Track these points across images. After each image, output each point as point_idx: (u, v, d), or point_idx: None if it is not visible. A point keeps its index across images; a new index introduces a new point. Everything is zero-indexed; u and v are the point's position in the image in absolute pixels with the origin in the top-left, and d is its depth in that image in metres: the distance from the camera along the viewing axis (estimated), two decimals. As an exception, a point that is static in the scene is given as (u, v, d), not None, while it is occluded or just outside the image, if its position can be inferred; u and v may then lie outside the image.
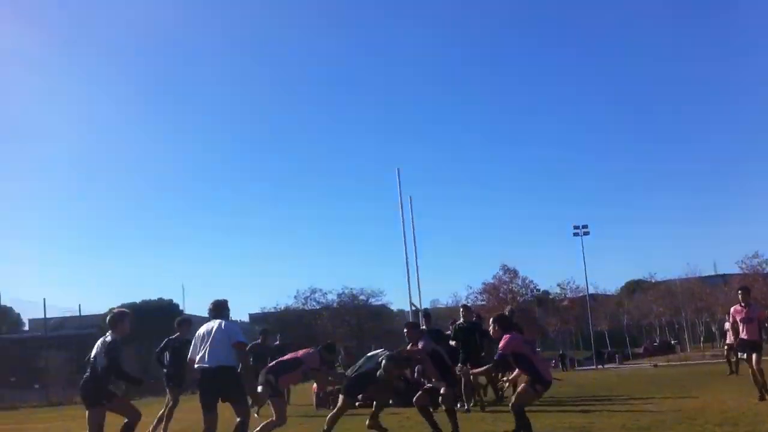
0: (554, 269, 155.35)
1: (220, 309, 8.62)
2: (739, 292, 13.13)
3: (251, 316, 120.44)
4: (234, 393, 8.21)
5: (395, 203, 34.78)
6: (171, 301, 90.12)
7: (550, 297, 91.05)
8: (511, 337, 8.79)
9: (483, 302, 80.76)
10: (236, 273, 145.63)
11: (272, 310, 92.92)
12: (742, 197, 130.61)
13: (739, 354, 13.58)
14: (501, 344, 8.78)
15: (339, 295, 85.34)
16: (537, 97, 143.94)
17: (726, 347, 24.51)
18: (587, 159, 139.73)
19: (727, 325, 23.85)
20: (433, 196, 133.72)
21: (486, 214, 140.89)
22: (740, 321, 12.70)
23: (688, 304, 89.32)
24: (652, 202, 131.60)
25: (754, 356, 12.24)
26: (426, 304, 56.21)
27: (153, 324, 78.95)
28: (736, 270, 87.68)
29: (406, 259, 40.33)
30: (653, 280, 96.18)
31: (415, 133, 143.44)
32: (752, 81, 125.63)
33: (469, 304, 17.27)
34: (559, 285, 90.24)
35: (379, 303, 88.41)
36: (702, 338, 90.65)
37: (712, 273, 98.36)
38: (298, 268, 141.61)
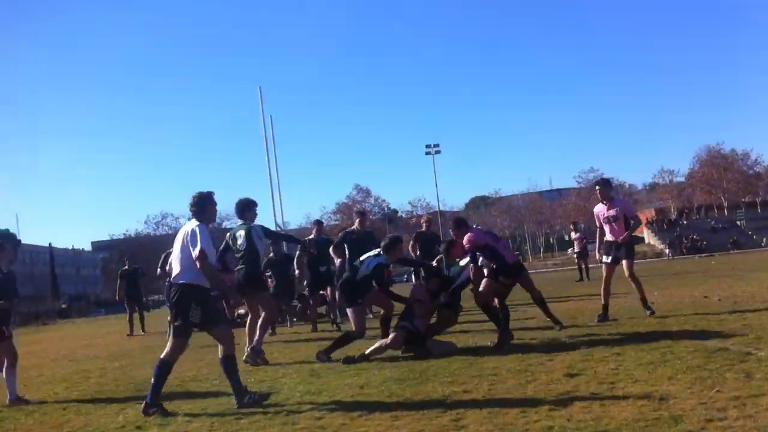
0: (407, 188, 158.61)
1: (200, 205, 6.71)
2: (597, 187, 10.84)
3: (94, 243, 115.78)
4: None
5: (252, 124, 34.07)
6: (7, 230, 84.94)
7: (398, 215, 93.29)
8: (475, 232, 8.95)
9: (337, 221, 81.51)
10: (77, 199, 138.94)
11: (120, 237, 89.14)
12: (579, 113, 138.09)
13: (604, 258, 10.54)
14: (466, 240, 8.81)
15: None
16: (398, 20, 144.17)
17: (575, 254, 25.83)
18: (437, 80, 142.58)
19: (573, 235, 24.72)
20: (292, 117, 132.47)
21: (342, 136, 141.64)
22: (603, 220, 10.51)
23: (529, 218, 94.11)
24: (496, 119, 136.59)
25: (624, 262, 10.20)
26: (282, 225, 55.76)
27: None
28: (573, 184, 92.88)
29: (270, 177, 39.76)
30: (498, 196, 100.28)
31: (276, 54, 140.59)
32: None
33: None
34: (410, 203, 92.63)
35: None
36: (542, 249, 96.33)
37: (548, 188, 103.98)
38: (149, 192, 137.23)
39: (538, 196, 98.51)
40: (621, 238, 10.23)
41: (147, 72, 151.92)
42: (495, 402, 5.41)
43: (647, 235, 76.43)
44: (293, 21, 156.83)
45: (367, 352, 8.19)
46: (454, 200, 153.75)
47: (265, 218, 50.50)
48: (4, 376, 7.96)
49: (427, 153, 74.40)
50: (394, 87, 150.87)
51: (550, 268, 61.71)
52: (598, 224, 10.77)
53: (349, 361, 8.04)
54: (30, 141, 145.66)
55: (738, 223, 74.08)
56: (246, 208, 9.37)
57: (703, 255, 52.46)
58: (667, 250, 64.08)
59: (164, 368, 6.35)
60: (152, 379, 6.30)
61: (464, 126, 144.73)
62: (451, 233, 9.27)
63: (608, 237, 10.46)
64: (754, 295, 11.90)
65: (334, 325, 13.17)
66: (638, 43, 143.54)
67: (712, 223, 74.08)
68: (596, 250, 11.54)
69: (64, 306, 75.29)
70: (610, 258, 10.46)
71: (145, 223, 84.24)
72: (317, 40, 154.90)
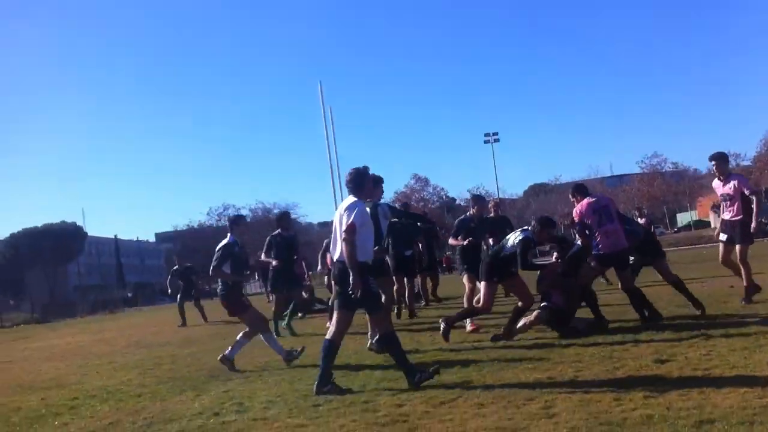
0: (466, 177, 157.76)
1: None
2: (712, 162, 9.95)
3: (158, 235, 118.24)
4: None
5: (311, 116, 34.01)
6: (74, 223, 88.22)
7: (457, 203, 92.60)
8: (586, 206, 8.64)
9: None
10: (141, 192, 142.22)
11: (184, 228, 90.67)
12: (640, 104, 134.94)
13: (721, 236, 9.91)
14: (575, 211, 8.78)
15: (252, 210, 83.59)
16: (452, 17, 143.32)
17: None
18: (495, 69, 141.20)
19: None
20: (349, 106, 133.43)
21: (400, 124, 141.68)
22: (720, 198, 9.91)
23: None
24: (556, 108, 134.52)
25: (738, 246, 9.51)
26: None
27: (58, 246, 76.94)
28: (635, 170, 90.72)
29: (331, 169, 39.74)
30: (558, 182, 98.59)
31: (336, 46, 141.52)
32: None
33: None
34: (469, 191, 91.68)
35: (294, 217, 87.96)
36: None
37: (609, 174, 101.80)
38: (211, 185, 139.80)
39: (600, 182, 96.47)
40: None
41: (204, 65, 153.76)
42: (584, 389, 5.17)
43: (713, 220, 74.19)
44: (348, 12, 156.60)
45: (513, 328, 8.23)
46: (514, 188, 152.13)
47: (328, 209, 50.73)
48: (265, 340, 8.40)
49: (486, 141, 73.77)
50: (451, 76, 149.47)
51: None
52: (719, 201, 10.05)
53: (496, 338, 8.19)
54: (93, 135, 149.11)
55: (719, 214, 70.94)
56: (374, 185, 7.89)
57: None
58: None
59: (332, 348, 6.30)
60: (321, 361, 6.24)
61: (523, 113, 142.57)
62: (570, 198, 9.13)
63: (725, 215, 9.74)
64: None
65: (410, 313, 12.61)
66: (690, 25, 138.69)
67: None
68: (717, 230, 10.25)
69: (129, 295, 76.99)
70: (725, 236, 9.77)
71: (208, 214, 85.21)
72: (375, 30, 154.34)
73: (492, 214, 13.86)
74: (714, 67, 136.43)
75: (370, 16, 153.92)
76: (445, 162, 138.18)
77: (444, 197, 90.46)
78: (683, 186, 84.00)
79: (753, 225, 9.37)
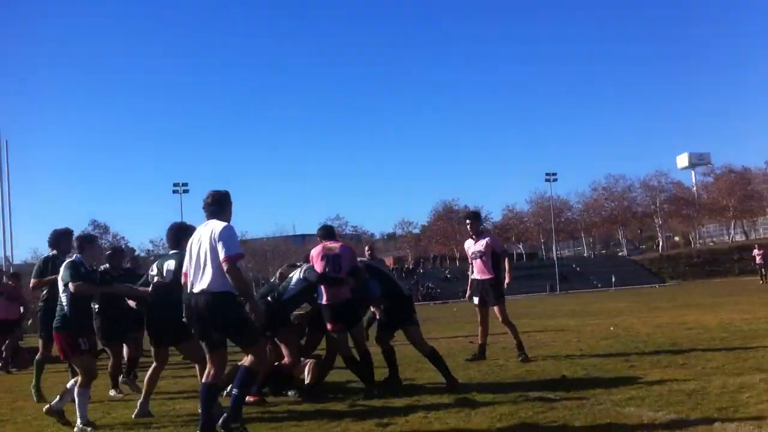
0: (152, 227, 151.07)
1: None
2: (467, 220, 10.48)
3: None
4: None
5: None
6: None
7: (136, 253, 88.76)
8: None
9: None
10: None
11: None
12: (319, 164, 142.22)
13: (475, 300, 10.12)
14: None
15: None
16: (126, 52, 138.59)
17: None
18: (180, 124, 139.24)
19: None
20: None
21: (77, 169, 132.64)
22: (471, 256, 10.19)
23: (274, 261, 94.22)
24: (241, 164, 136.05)
25: (496, 308, 9.91)
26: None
27: None
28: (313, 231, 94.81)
29: (2, 208, 35.66)
30: (244, 239, 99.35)
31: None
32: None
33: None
34: (152, 241, 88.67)
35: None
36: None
37: (292, 233, 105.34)
38: None
39: (283, 240, 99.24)
40: (487, 277, 9.92)
41: None
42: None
43: (386, 282, 79.68)
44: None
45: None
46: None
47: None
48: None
49: (175, 191, 71.89)
50: (145, 124, 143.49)
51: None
52: (469, 261, 10.36)
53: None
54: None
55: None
56: (183, 234, 7.21)
57: (438, 302, 55.87)
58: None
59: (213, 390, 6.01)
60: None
61: (213, 165, 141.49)
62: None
63: (475, 275, 10.12)
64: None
65: None
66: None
67: (446, 272, 79.26)
68: (467, 287, 10.61)
69: None
70: (477, 299, 10.11)
71: None
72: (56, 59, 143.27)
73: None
74: (398, 138, 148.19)
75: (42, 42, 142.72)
76: (131, 212, 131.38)
77: (125, 246, 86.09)
78: (360, 248, 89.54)
79: (507, 281, 10.03)
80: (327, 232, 8.39)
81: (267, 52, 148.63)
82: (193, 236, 6.16)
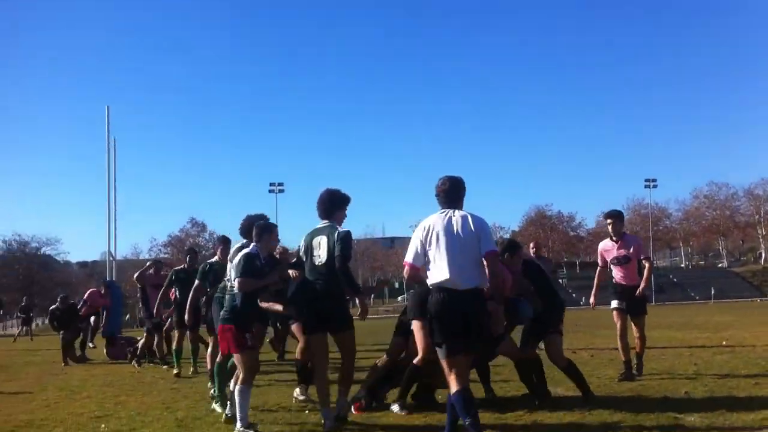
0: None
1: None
2: (608, 220, 9.54)
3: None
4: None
5: (92, 145, 31.65)
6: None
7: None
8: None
9: (167, 255, 77.81)
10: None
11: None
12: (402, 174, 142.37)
13: (615, 303, 9.35)
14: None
15: (5, 242, 75.92)
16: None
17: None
18: (281, 119, 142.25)
19: None
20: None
21: (178, 167, 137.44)
22: (612, 261, 9.40)
23: (365, 263, 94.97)
24: (337, 166, 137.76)
25: (641, 318, 9.37)
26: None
27: None
28: (407, 233, 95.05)
29: (108, 205, 37.04)
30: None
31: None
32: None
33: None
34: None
35: (56, 253, 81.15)
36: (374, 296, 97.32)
37: (382, 236, 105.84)
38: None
39: (371, 242, 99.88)
40: (639, 290, 9.13)
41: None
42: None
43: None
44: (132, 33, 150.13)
45: None
46: (294, 241, 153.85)
47: (92, 249, 47.27)
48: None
49: (271, 191, 73.33)
50: (238, 122, 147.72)
51: (382, 314, 62.03)
52: (600, 263, 9.61)
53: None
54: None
55: (560, 281, 78.68)
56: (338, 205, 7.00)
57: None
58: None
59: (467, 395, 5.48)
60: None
61: (306, 166, 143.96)
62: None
63: (619, 280, 9.39)
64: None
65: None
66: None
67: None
68: (592, 295, 9.99)
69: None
70: (624, 303, 9.29)
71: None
72: (166, 55, 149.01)
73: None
74: (481, 143, 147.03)
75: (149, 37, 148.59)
76: (226, 208, 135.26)
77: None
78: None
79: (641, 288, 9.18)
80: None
81: (371, 52, 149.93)
82: (430, 223, 5.57)
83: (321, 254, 6.64)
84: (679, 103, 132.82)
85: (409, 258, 5.59)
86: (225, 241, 9.37)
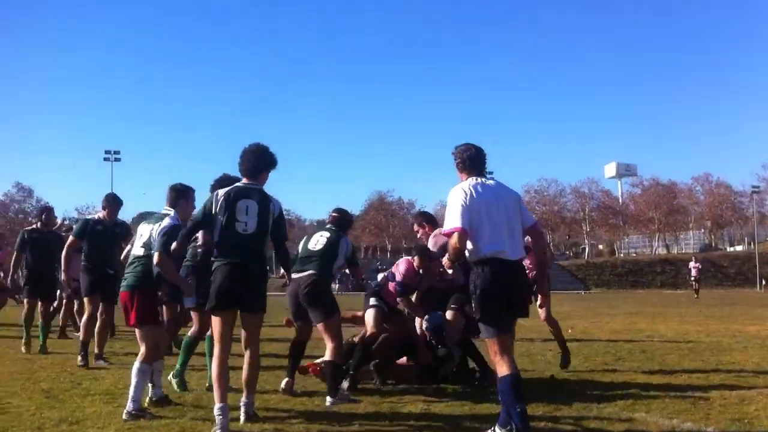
0: (77, 193, 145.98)
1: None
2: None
3: None
4: None
5: None
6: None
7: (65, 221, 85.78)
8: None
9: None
10: None
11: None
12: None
13: None
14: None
15: None
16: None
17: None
18: (115, 86, 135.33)
19: None
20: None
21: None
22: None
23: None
24: (175, 138, 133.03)
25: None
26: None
27: None
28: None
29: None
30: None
31: None
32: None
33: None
34: (77, 209, 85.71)
35: None
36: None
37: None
38: None
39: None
40: None
41: None
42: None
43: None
44: None
45: None
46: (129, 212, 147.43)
47: None
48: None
49: (106, 159, 69.73)
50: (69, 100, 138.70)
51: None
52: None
53: None
54: None
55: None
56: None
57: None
58: (336, 286, 67.08)
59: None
60: None
61: (149, 131, 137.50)
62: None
63: None
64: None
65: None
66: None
67: (378, 264, 79.39)
68: None
69: None
70: None
71: None
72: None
73: None
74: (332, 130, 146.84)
75: None
76: (61, 177, 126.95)
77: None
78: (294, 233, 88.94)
79: None
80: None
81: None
82: (471, 190, 5.13)
83: (249, 222, 5.63)
84: (518, 101, 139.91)
85: (457, 223, 5.02)
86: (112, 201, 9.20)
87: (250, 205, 5.65)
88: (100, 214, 9.20)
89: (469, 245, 5.06)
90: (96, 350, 8.86)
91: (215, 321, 5.67)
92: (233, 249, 5.60)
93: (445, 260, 7.20)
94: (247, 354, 5.69)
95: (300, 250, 7.05)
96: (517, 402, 4.83)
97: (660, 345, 11.61)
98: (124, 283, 6.15)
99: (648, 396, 6.78)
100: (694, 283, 39.40)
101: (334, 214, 7.39)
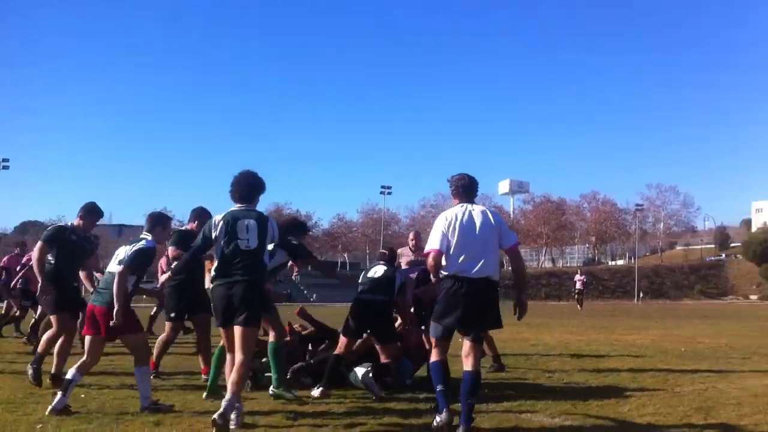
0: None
1: None
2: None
3: None
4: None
5: None
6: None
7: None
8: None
9: None
10: None
11: None
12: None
13: None
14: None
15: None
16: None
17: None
18: None
19: None
20: None
21: None
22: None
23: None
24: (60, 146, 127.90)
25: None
26: None
27: None
28: (140, 222, 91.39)
29: None
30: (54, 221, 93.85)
31: None
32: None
33: None
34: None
35: None
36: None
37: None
38: None
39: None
40: None
41: None
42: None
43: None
44: None
45: None
46: (6, 221, 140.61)
47: None
48: None
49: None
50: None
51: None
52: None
53: None
54: None
55: (293, 278, 79.45)
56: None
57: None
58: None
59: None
60: None
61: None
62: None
63: None
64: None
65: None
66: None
67: (277, 277, 78.57)
68: None
69: None
70: None
71: None
72: None
73: None
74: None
75: None
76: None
77: None
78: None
79: None
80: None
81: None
82: (452, 215, 6.00)
83: (251, 239, 6.04)
84: (422, 121, 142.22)
85: (435, 245, 5.94)
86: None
87: (249, 224, 6.11)
88: (76, 221, 8.09)
89: (443, 262, 5.93)
90: (53, 370, 7.76)
91: (224, 335, 6.27)
92: (234, 267, 6.03)
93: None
94: (236, 358, 5.96)
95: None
96: (437, 383, 5.82)
97: (544, 353, 12.26)
98: (100, 299, 6.39)
99: (533, 397, 7.34)
100: (577, 295, 40.73)
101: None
